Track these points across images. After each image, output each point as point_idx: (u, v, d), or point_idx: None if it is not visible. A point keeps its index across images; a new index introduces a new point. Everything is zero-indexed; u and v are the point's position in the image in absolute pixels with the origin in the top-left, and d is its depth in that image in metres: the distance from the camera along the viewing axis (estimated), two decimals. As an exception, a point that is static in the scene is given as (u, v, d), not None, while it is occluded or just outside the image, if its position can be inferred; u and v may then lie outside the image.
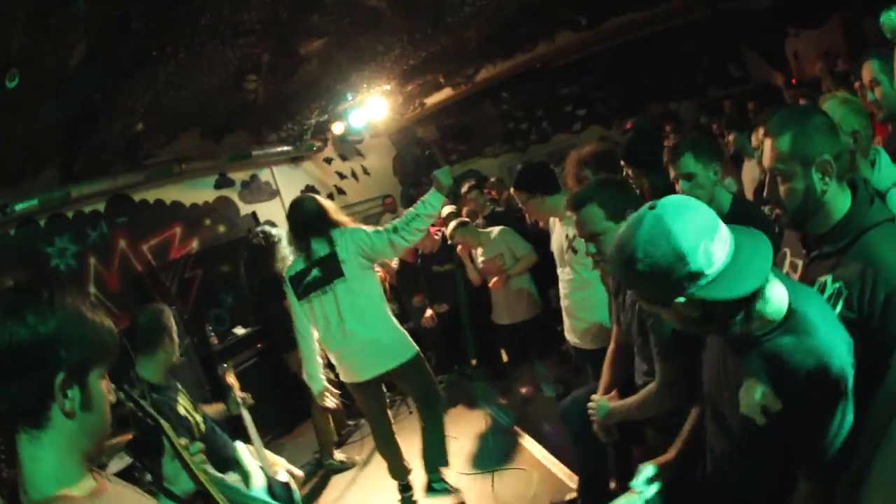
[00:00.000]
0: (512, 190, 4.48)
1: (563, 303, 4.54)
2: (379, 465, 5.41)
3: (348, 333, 4.54)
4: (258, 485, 3.41)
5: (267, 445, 4.50)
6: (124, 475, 2.02)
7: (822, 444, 1.83)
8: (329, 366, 5.04)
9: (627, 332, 3.21)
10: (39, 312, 1.27)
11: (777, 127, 2.11)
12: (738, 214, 3.12)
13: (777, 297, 1.88)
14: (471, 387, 7.07)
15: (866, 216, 2.10)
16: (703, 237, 1.76)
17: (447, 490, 4.94)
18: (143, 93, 5.95)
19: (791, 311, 1.88)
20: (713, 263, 1.77)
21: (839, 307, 2.03)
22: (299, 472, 4.18)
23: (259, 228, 6.47)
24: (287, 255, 5.34)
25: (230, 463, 3.60)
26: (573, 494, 4.29)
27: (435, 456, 4.96)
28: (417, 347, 4.79)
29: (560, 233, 4.41)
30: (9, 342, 1.23)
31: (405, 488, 5.09)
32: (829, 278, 2.11)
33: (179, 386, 3.89)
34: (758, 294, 1.84)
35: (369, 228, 4.70)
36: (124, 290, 7.87)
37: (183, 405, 3.71)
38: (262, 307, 6.88)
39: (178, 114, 7.31)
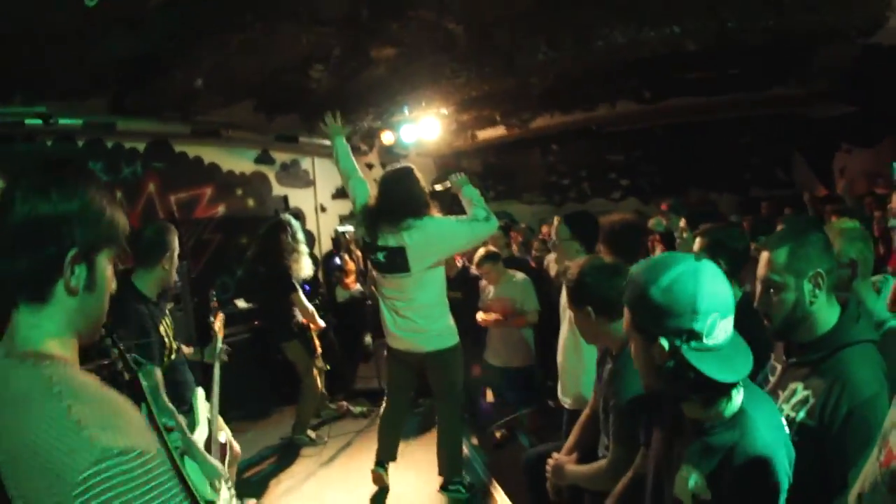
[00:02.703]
0: (556, 223, 4.44)
1: (559, 358, 4.55)
2: (340, 461, 5.60)
3: (401, 316, 4.81)
4: (200, 435, 3.46)
5: (237, 419, 4.56)
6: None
7: None
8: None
9: (598, 403, 3.25)
10: (65, 192, 1.33)
11: (776, 241, 2.23)
12: (741, 313, 3.15)
13: (736, 399, 1.91)
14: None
15: (849, 333, 2.18)
16: (718, 310, 1.81)
17: (459, 494, 5.09)
18: (211, 52, 6.06)
19: (741, 411, 1.91)
20: (712, 337, 1.81)
21: (802, 414, 2.11)
22: (238, 449, 4.24)
23: (286, 218, 6.51)
24: (303, 256, 5.38)
25: (185, 401, 3.64)
26: None
27: (448, 457, 5.14)
28: (459, 343, 4.97)
29: None
30: (30, 214, 1.30)
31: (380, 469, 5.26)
32: (799, 385, 2.19)
33: (167, 310, 3.94)
34: (727, 389, 1.88)
35: (454, 218, 4.86)
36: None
37: (164, 327, 3.76)
38: (264, 294, 7.01)
39: (239, 82, 7.41)
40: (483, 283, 6.53)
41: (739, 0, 5.86)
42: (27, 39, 5.20)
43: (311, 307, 6.44)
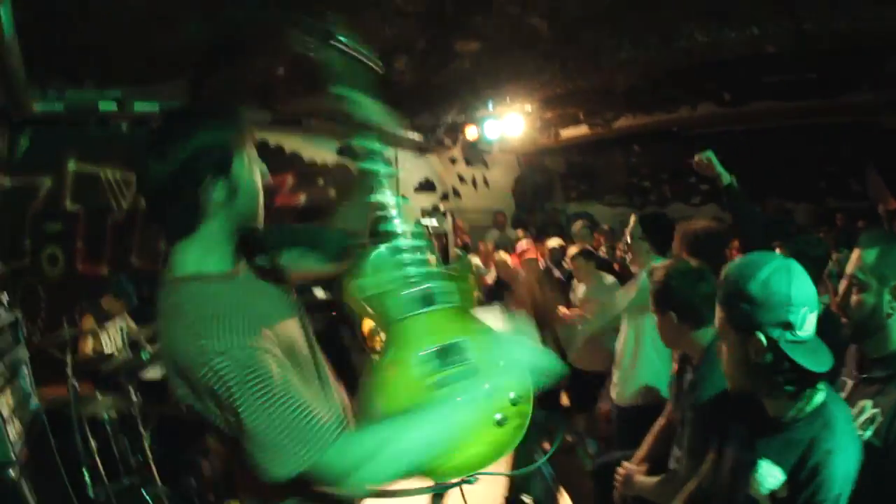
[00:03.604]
0: (633, 221, 4.42)
1: (616, 358, 4.54)
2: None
3: None
4: None
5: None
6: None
7: None
8: None
9: (674, 414, 3.23)
10: (183, 137, 1.52)
11: (868, 240, 2.19)
12: (822, 322, 3.08)
13: (820, 393, 1.95)
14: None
15: None
16: (808, 304, 1.89)
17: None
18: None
19: (824, 405, 1.94)
20: (803, 329, 1.88)
21: (868, 432, 2.05)
22: None
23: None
24: None
25: None
26: None
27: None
28: None
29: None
30: (167, 174, 1.50)
31: None
32: (868, 403, 2.13)
33: None
34: (816, 380, 1.92)
35: None
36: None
37: None
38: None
39: (321, 71, 7.44)
40: (574, 281, 6.42)
41: (817, 1, 5.72)
42: (101, 22, 5.31)
43: None
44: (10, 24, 4.21)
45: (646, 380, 4.17)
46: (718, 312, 2.07)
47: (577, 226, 7.03)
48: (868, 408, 2.11)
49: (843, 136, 11.42)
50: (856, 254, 2.20)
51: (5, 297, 3.64)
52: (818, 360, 1.86)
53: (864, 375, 2.24)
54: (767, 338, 1.89)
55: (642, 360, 4.21)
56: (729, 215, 3.88)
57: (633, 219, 4.41)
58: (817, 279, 3.28)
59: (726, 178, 3.68)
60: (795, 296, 1.87)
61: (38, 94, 6.06)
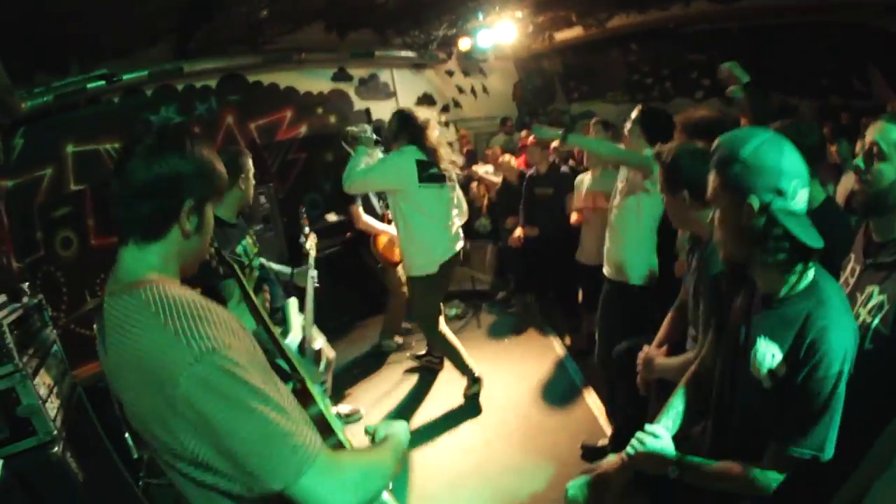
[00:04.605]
0: (634, 114, 4.46)
1: (607, 237, 4.66)
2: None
3: (450, 222, 5.24)
4: (293, 340, 3.62)
5: (329, 331, 4.76)
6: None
7: (805, 413, 1.92)
8: None
9: (687, 294, 3.25)
10: (181, 155, 1.56)
11: (894, 118, 2.16)
12: (826, 213, 3.07)
13: (811, 271, 2.00)
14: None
15: None
16: (798, 177, 1.92)
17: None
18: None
19: (815, 282, 1.99)
20: (795, 201, 1.91)
21: (876, 321, 2.07)
22: (332, 355, 4.44)
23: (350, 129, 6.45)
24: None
25: (273, 314, 3.79)
26: (605, 441, 4.44)
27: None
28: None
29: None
30: (150, 173, 1.51)
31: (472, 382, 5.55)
32: (875, 289, 2.15)
33: (250, 231, 4.11)
34: (808, 256, 1.95)
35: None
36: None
37: (243, 247, 3.91)
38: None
39: (305, 5, 7.42)
40: (579, 178, 6.39)
41: None
42: (71, 6, 5.29)
43: (370, 220, 6.57)
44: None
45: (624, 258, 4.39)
46: (711, 179, 2.09)
47: (592, 124, 6.98)
48: (875, 294, 2.13)
49: (843, 36, 11.25)
50: (879, 124, 2.17)
51: (26, 286, 3.67)
52: (810, 235, 1.88)
53: (871, 261, 2.26)
54: (760, 202, 1.92)
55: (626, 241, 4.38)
56: (730, 109, 3.94)
57: (635, 111, 4.43)
58: (812, 169, 3.28)
59: (745, 77, 3.84)
60: (786, 166, 1.90)
61: (24, 95, 6.05)
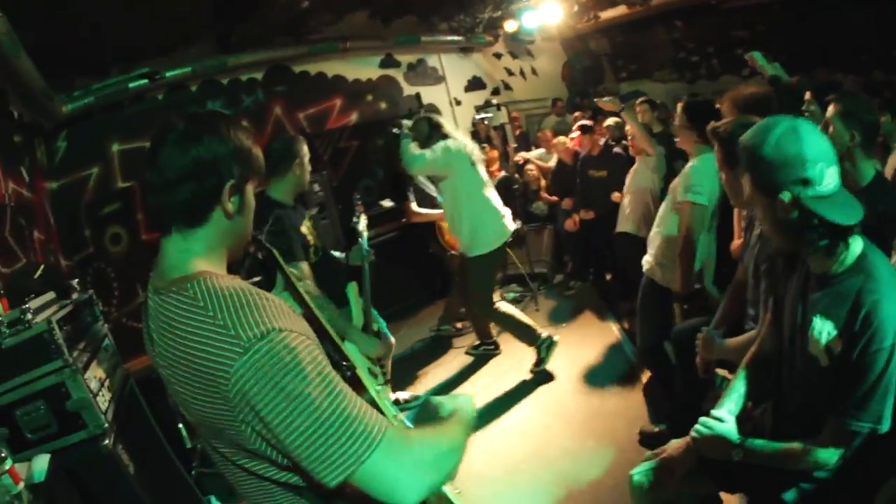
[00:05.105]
0: (679, 108, 4.39)
1: (654, 228, 4.60)
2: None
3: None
4: (357, 322, 3.72)
5: (388, 316, 4.81)
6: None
7: (861, 387, 1.94)
8: None
9: (745, 273, 3.22)
10: (218, 137, 1.52)
11: None
12: (876, 189, 3.03)
13: (854, 245, 2.03)
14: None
15: None
16: (823, 159, 1.94)
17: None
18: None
19: (862, 255, 2.03)
20: (823, 183, 1.94)
21: None
22: (391, 340, 4.57)
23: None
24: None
25: (332, 295, 3.82)
26: (663, 427, 4.39)
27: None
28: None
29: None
30: (190, 158, 1.48)
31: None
32: None
33: (309, 216, 4.17)
34: (848, 233, 1.98)
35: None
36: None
37: (306, 228, 3.99)
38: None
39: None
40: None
41: None
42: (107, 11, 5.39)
43: (423, 210, 6.73)
44: (17, 45, 4.28)
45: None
46: (745, 181, 2.14)
47: (638, 103, 6.91)
48: None
49: (887, 9, 11.05)
50: None
51: (75, 283, 3.73)
52: (845, 213, 1.92)
53: None
54: (791, 196, 1.96)
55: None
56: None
57: (679, 106, 4.37)
58: (870, 145, 3.23)
59: (770, 69, 4.02)
60: (808, 152, 1.93)
61: (64, 98, 6.13)
